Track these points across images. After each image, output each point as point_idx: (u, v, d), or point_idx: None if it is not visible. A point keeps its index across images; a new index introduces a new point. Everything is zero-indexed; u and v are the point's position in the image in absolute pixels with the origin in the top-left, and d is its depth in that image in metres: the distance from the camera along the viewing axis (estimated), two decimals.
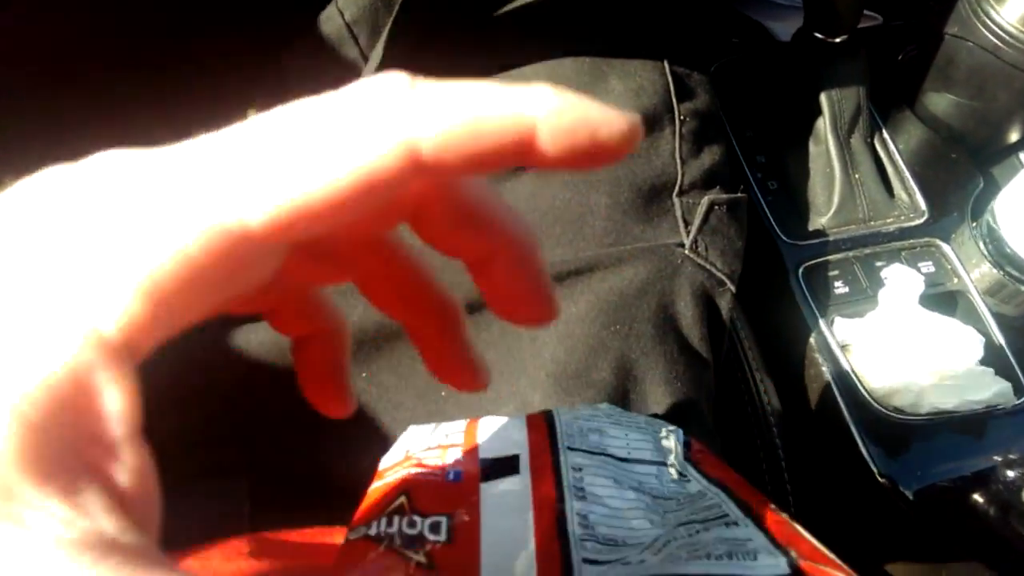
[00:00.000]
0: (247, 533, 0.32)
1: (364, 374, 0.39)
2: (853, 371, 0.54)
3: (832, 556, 0.24)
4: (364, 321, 0.38)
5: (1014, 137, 0.64)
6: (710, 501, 0.27)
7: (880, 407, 0.52)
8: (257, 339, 0.38)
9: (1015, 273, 0.58)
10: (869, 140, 0.62)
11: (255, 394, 0.38)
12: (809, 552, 0.23)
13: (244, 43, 0.47)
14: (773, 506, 0.26)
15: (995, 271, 0.59)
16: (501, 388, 0.40)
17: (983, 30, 0.57)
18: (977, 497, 0.52)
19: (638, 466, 0.30)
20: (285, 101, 0.17)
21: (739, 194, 0.48)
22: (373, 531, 0.26)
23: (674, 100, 0.46)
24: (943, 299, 0.59)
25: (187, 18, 0.45)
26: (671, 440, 0.31)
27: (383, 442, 0.38)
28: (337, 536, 0.32)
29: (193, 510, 0.37)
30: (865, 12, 0.65)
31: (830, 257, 0.58)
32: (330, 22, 0.50)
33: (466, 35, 0.47)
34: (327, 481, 0.39)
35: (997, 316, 0.58)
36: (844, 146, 0.60)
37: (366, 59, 0.51)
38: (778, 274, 0.57)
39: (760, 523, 0.25)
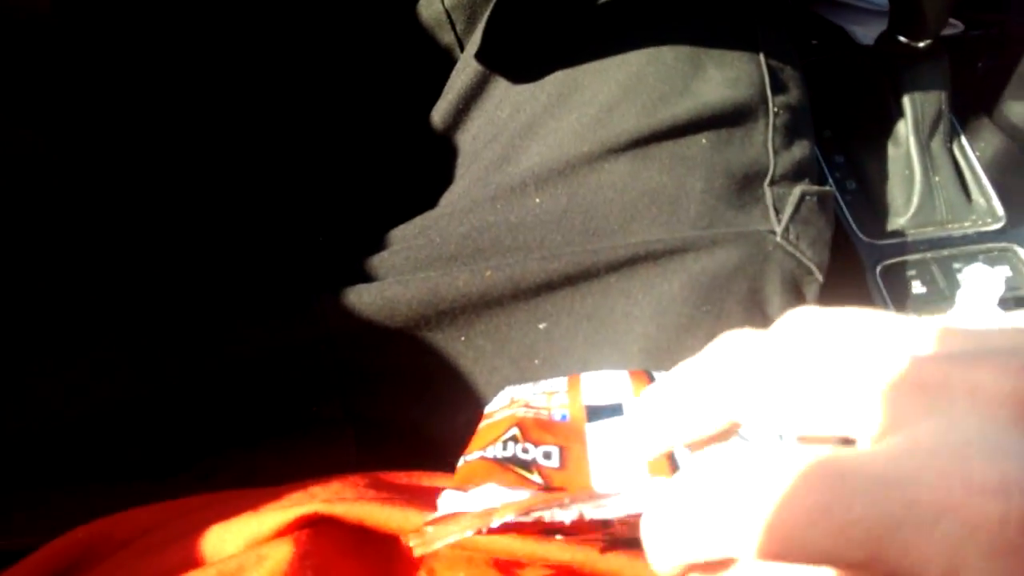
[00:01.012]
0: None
1: (462, 338, 0.40)
2: None
3: None
4: (468, 287, 0.39)
5: None
6: None
7: None
8: (363, 300, 0.39)
9: None
10: (948, 145, 0.62)
11: (356, 353, 0.40)
12: None
13: None
14: None
15: None
16: (593, 361, 0.41)
17: None
18: None
19: None
20: None
21: (828, 188, 0.49)
22: (490, 454, 0.27)
23: (768, 92, 0.47)
24: (1019, 304, 0.59)
25: None
26: None
27: (478, 402, 0.39)
28: (441, 480, 0.34)
29: (304, 456, 0.39)
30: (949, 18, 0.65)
31: (908, 257, 0.58)
32: (430, 7, 0.52)
33: (566, 24, 0.49)
34: (425, 436, 0.40)
35: None
36: (925, 149, 0.60)
37: (462, 46, 0.53)
38: (856, 272, 0.57)
39: None
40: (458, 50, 0.53)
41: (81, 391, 0.37)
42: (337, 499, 0.27)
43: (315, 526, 0.27)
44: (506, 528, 0.22)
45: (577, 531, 0.24)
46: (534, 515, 0.21)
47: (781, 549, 0.15)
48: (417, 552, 0.23)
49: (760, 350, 0.19)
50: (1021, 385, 0.15)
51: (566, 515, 0.21)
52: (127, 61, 0.47)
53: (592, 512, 0.21)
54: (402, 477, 0.33)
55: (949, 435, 0.15)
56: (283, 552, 0.25)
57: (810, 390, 0.17)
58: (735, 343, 0.20)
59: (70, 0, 0.45)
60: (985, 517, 0.14)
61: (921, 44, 0.60)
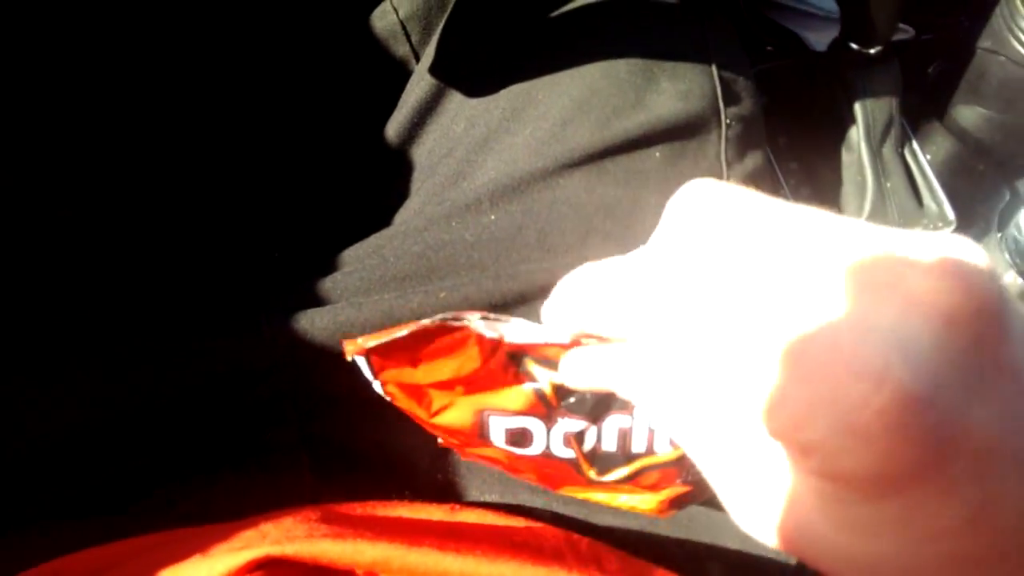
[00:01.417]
0: (310, 505, 0.33)
1: None
2: None
3: None
4: (422, 308, 0.39)
5: None
6: None
7: None
8: (316, 325, 0.39)
9: None
10: (900, 150, 0.63)
11: (310, 377, 0.39)
12: None
13: None
14: None
15: (1020, 280, 0.60)
16: None
17: (1016, 44, 0.58)
18: None
19: None
20: None
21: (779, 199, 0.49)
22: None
23: (721, 104, 0.47)
24: None
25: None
26: None
27: None
28: (399, 509, 0.34)
29: (259, 485, 0.38)
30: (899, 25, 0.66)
31: None
32: (384, 18, 0.51)
33: (519, 37, 0.48)
34: (386, 457, 0.40)
35: None
36: (876, 155, 0.61)
37: (417, 58, 0.52)
38: None
39: None
40: (413, 62, 0.52)
41: (39, 418, 0.36)
42: (287, 539, 0.27)
43: (266, 568, 0.27)
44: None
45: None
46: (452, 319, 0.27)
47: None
48: (349, 355, 0.27)
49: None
50: (944, 287, 0.16)
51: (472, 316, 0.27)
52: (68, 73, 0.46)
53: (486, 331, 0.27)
54: (356, 508, 0.33)
55: (863, 319, 0.16)
56: None
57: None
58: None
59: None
60: (849, 397, 0.16)
61: (872, 50, 0.61)
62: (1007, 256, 0.61)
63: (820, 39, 0.68)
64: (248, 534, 0.28)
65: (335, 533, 0.28)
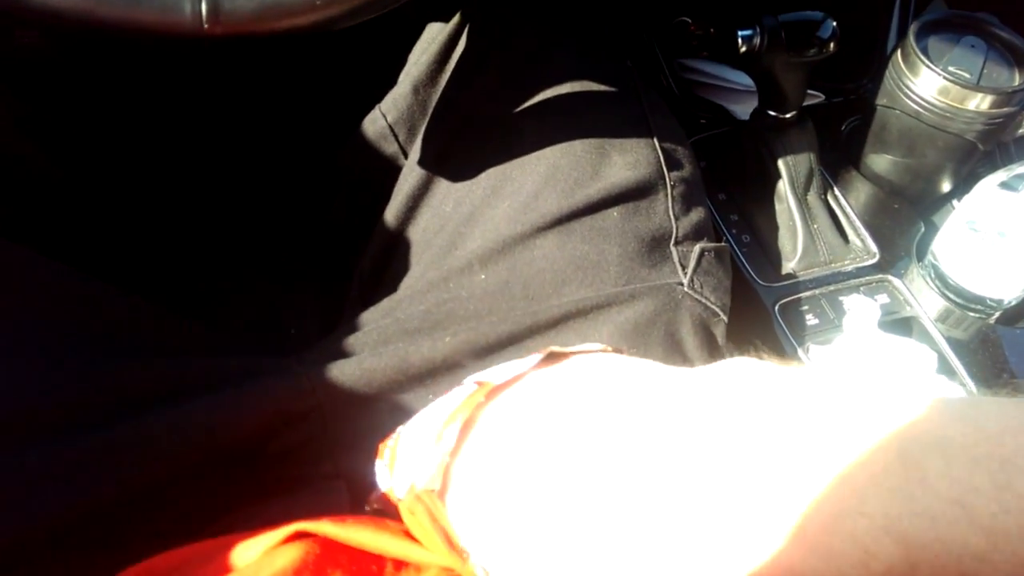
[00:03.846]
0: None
1: (431, 396, 0.47)
2: None
3: None
4: (432, 352, 0.47)
5: (945, 187, 0.76)
6: None
7: None
8: (345, 372, 0.46)
9: (960, 301, 0.69)
10: (823, 196, 0.73)
11: (342, 417, 0.46)
12: None
13: None
14: None
15: (943, 301, 0.70)
16: None
17: (907, 100, 0.69)
18: None
19: None
20: None
21: (723, 244, 0.58)
22: None
23: (665, 170, 0.57)
24: (900, 325, 0.69)
25: None
26: None
27: None
28: None
29: (298, 510, 0.45)
30: (809, 92, 0.77)
31: (800, 295, 0.68)
32: (374, 124, 0.61)
33: (491, 129, 0.58)
34: None
35: (949, 340, 0.68)
36: (802, 202, 0.71)
37: (405, 154, 0.62)
38: (759, 311, 0.67)
39: None
40: (402, 157, 0.62)
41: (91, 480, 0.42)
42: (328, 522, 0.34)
43: (302, 537, 0.33)
44: None
45: None
46: None
47: None
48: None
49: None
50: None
51: None
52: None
53: None
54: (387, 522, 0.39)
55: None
56: (293, 553, 0.32)
57: None
58: None
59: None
60: None
61: (788, 115, 0.71)
62: (928, 280, 0.70)
63: (743, 109, 0.79)
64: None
65: (365, 522, 0.35)
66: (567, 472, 0.27)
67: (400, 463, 0.36)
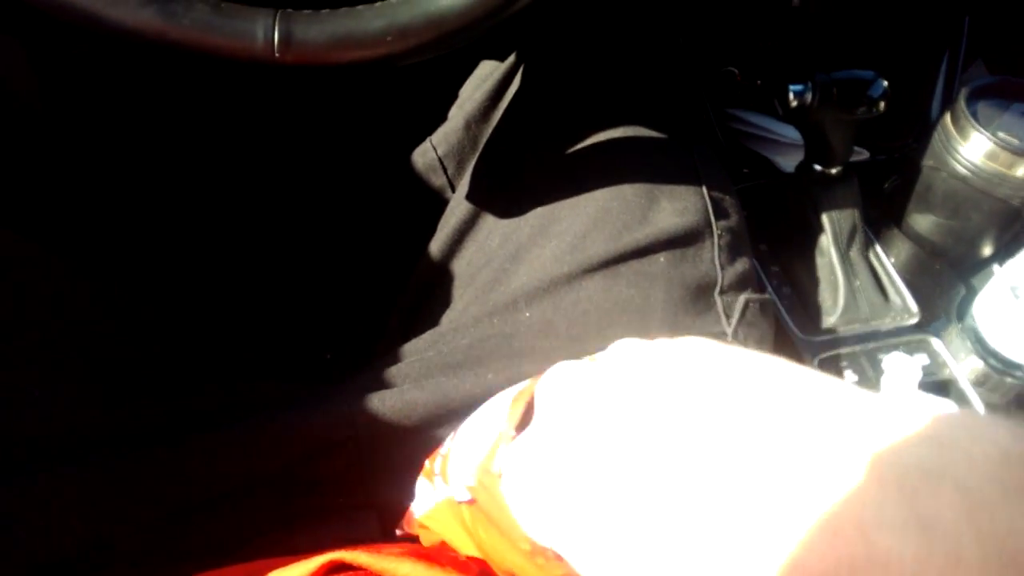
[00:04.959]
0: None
1: None
2: None
3: None
4: (473, 389, 0.47)
5: (987, 251, 0.75)
6: None
7: None
8: (386, 403, 0.46)
9: (998, 366, 0.68)
10: (865, 254, 0.72)
11: (380, 448, 0.46)
12: None
13: None
14: None
15: (981, 364, 0.69)
16: None
17: (954, 163, 0.69)
18: None
19: None
20: None
21: (767, 295, 0.58)
22: None
23: (712, 218, 0.57)
24: (937, 388, 0.68)
25: None
26: None
27: None
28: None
29: (328, 538, 0.45)
30: (855, 148, 0.77)
31: (840, 351, 0.67)
32: (424, 156, 0.62)
33: (541, 169, 0.58)
34: None
35: (987, 404, 0.67)
36: (844, 258, 0.71)
37: (453, 187, 0.62)
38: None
39: None
40: (449, 191, 0.62)
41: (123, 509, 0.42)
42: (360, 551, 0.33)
43: (340, 571, 0.33)
44: None
45: None
46: None
47: None
48: None
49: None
50: None
51: None
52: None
53: None
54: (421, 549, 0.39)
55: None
56: None
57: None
58: None
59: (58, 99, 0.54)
60: None
61: (834, 170, 0.71)
62: (967, 343, 0.70)
63: (788, 162, 0.79)
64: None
65: (404, 553, 0.34)
66: (629, 456, 0.26)
67: (457, 457, 0.35)
